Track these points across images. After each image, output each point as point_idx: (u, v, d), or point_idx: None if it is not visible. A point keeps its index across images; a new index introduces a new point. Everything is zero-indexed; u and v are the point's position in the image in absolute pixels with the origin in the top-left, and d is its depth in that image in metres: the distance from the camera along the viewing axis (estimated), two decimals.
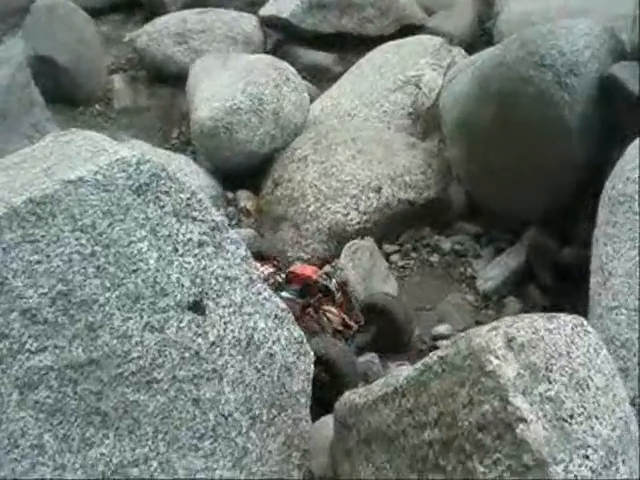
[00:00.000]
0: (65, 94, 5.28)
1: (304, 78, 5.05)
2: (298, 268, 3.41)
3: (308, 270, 3.37)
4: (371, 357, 3.21)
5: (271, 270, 3.42)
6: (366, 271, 3.62)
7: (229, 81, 4.50)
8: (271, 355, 2.35)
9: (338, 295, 3.29)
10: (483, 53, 4.01)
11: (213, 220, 2.29)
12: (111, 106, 5.62)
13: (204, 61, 5.28)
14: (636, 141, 2.90)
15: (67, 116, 5.19)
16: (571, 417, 1.71)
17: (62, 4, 5.61)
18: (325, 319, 3.27)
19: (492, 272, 3.71)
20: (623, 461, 1.78)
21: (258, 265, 3.38)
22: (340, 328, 3.25)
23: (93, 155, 2.18)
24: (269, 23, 5.93)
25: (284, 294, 3.23)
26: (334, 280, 3.33)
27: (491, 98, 3.64)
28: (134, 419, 2.05)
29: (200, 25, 5.86)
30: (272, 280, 3.34)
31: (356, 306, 3.35)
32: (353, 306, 3.34)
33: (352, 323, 3.28)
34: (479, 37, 5.87)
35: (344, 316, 3.28)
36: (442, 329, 3.46)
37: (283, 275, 3.38)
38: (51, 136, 2.45)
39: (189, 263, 2.21)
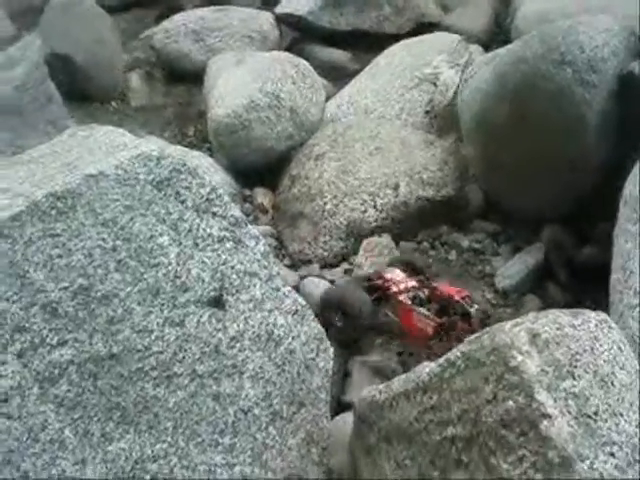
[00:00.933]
0: (82, 91, 5.29)
1: (320, 76, 5.04)
2: (443, 286, 3.32)
3: (451, 290, 3.26)
4: (389, 355, 3.21)
5: (414, 284, 3.35)
6: (384, 269, 3.61)
7: (246, 79, 4.50)
8: (291, 351, 2.35)
9: (476, 321, 3.14)
10: (502, 50, 3.98)
11: (233, 215, 2.29)
12: (127, 103, 5.63)
13: (221, 59, 5.30)
14: None
15: (83, 113, 5.19)
16: (596, 414, 1.69)
17: (79, 1, 5.62)
18: (456, 342, 3.15)
19: (511, 270, 3.69)
20: None
21: (402, 276, 3.40)
22: None
23: (114, 150, 2.19)
24: (285, 21, 5.93)
25: (421, 310, 3.19)
26: (476, 305, 3.19)
27: (510, 95, 3.62)
28: (154, 414, 2.05)
29: (217, 23, 5.87)
30: (413, 294, 3.29)
31: None
32: None
33: None
34: (496, 35, 5.83)
35: None
36: None
37: (426, 291, 3.30)
38: (70, 131, 2.46)
39: (209, 258, 2.21)
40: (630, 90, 3.40)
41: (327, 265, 3.80)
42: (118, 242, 2.04)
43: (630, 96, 3.40)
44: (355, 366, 3.18)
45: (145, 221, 2.10)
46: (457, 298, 3.18)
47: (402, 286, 3.34)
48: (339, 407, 2.97)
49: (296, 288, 3.57)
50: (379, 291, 3.37)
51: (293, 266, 3.85)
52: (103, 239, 2.02)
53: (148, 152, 2.15)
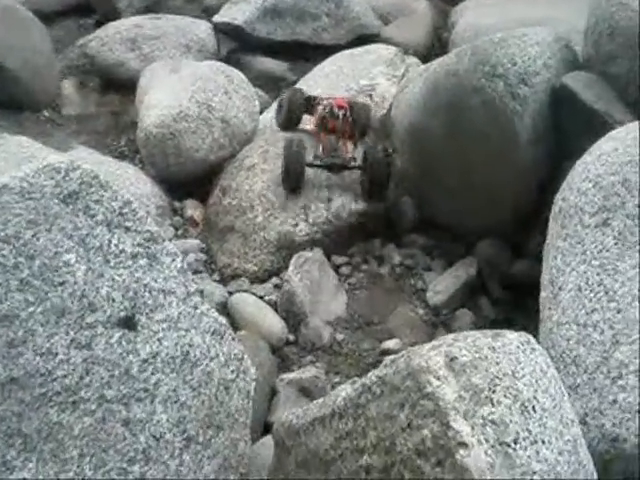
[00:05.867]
0: (13, 100, 5.12)
1: (258, 86, 4.96)
2: (341, 99, 4.18)
3: (337, 101, 4.11)
4: (317, 373, 3.13)
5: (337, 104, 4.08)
6: (314, 283, 3.53)
7: (178, 88, 4.39)
8: (208, 373, 2.24)
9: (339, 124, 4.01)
10: (434, 62, 3.95)
11: (148, 230, 2.19)
12: (60, 112, 5.46)
13: (155, 68, 5.18)
14: (586, 153, 2.85)
15: (13, 122, 5.03)
16: (515, 442, 1.62)
17: (12, 8, 5.44)
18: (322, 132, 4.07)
19: (442, 285, 3.64)
20: None
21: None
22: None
23: (21, 161, 2.09)
24: (223, 30, 5.83)
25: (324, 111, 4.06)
26: (348, 116, 4.04)
27: (442, 108, 3.58)
28: (58, 441, 1.93)
29: (153, 31, 5.73)
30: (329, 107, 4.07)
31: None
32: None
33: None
34: (435, 47, 5.82)
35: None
36: (391, 344, 3.37)
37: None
38: None
39: (121, 276, 2.10)
40: (563, 103, 3.38)
41: (257, 280, 3.70)
42: (20, 259, 1.93)
43: (563, 109, 3.38)
44: (281, 385, 3.09)
45: (50, 237, 1.99)
46: (333, 105, 4.03)
47: (327, 101, 4.13)
48: (266, 429, 2.89)
49: (224, 304, 3.49)
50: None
51: (222, 281, 3.74)
52: (4, 256, 1.91)
53: (55, 164, 2.05)
